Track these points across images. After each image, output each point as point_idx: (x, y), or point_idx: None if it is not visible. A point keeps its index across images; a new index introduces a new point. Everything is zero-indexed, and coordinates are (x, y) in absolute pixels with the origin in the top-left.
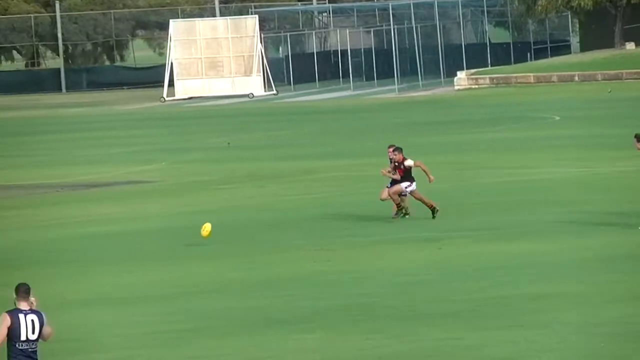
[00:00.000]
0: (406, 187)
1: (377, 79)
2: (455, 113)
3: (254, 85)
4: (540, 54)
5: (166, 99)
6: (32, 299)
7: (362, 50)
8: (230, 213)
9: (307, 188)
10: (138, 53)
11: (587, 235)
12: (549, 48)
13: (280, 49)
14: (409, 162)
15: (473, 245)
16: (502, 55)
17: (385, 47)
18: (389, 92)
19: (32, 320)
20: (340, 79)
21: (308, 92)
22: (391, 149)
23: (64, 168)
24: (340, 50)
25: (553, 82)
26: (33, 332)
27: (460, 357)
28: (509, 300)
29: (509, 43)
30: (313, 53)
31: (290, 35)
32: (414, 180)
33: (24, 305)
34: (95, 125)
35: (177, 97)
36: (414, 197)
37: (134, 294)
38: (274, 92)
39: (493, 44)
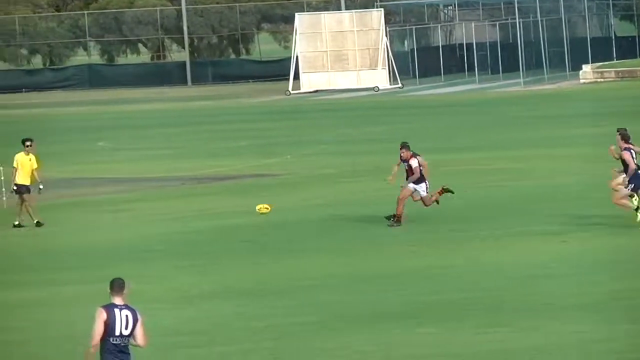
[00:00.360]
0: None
1: (502, 72)
2: (581, 106)
3: (379, 78)
4: None
5: (291, 92)
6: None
7: (488, 43)
8: (353, 206)
9: (430, 182)
10: (263, 46)
11: None
12: None
13: (406, 42)
14: (413, 162)
15: (597, 239)
16: (627, 48)
17: (511, 41)
18: (514, 86)
19: (127, 316)
20: (466, 73)
21: (433, 85)
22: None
23: (190, 161)
24: (466, 43)
25: None
26: (126, 328)
27: (586, 350)
28: (636, 293)
29: (635, 36)
30: (438, 46)
31: (415, 28)
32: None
33: (118, 300)
34: (220, 118)
35: (302, 90)
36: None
37: (258, 287)
38: (400, 85)
39: (618, 37)
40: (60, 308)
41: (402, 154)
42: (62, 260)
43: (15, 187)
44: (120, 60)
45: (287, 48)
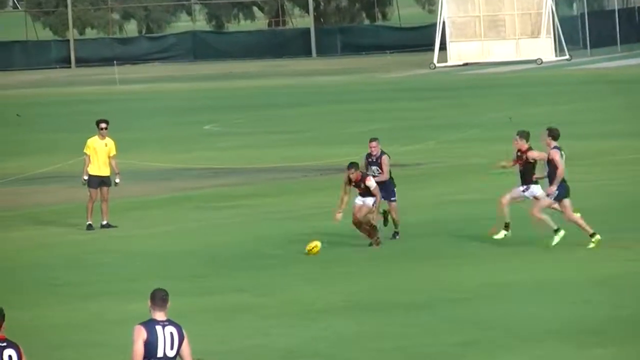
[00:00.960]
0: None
1: None
2: None
3: (543, 49)
4: None
5: (437, 65)
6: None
7: None
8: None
9: (605, 172)
10: (403, 10)
11: None
12: None
13: (574, 5)
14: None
15: None
16: None
17: None
18: None
19: (171, 334)
20: None
21: (608, 57)
22: (372, 144)
23: (313, 148)
24: None
25: None
26: (171, 348)
27: None
28: None
29: None
30: (614, 10)
31: None
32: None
33: (160, 316)
34: (350, 96)
35: (449, 63)
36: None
37: (385, 300)
38: (567, 57)
39: None
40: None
41: (350, 175)
42: (159, 266)
43: (85, 178)
44: (231, 27)
45: (432, 12)
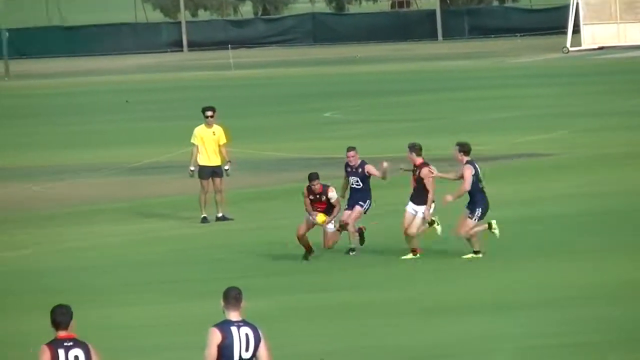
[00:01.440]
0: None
1: None
2: None
3: None
4: None
5: (570, 49)
6: None
7: None
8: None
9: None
10: None
11: None
12: None
13: None
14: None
15: None
16: None
17: None
18: None
19: (247, 335)
20: None
21: None
22: (350, 153)
23: (439, 137)
24: None
25: None
26: (247, 350)
27: None
28: None
29: None
30: None
31: None
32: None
33: (234, 316)
34: (478, 82)
35: (583, 46)
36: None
37: (507, 298)
38: None
39: None
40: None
41: (313, 186)
42: (275, 261)
43: (192, 169)
44: (352, 8)
45: None
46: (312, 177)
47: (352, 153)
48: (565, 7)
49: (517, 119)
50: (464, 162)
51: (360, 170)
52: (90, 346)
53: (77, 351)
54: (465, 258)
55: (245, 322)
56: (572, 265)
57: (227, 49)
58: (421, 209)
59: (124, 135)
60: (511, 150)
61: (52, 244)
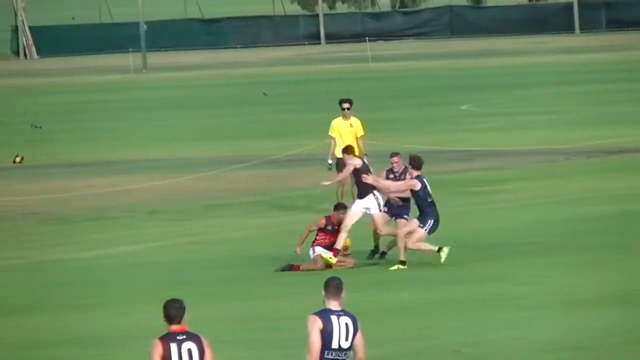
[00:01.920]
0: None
1: None
2: None
3: None
4: None
5: None
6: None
7: None
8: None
9: None
10: None
11: None
12: None
13: None
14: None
15: None
16: None
17: None
18: None
19: (346, 324)
20: None
21: None
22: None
23: (575, 129)
24: None
25: None
26: (346, 339)
27: None
28: None
29: None
30: None
31: None
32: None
33: (334, 305)
34: (616, 75)
35: None
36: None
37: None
38: None
39: None
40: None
41: (338, 215)
42: (415, 255)
43: (330, 162)
44: (490, 1)
45: None
46: (339, 207)
47: (396, 159)
48: None
49: None
50: (413, 176)
51: (403, 177)
52: (203, 339)
53: (190, 344)
54: (392, 270)
55: (345, 312)
56: None
57: (365, 41)
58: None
59: (262, 128)
60: None
61: (185, 236)
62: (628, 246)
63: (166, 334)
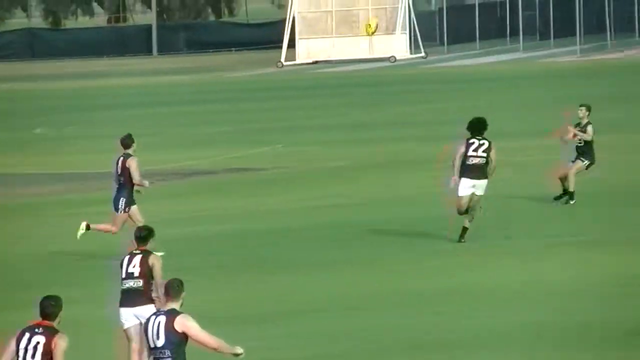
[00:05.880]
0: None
1: (553, 38)
2: None
3: (397, 46)
4: None
5: (285, 63)
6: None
7: (537, 1)
8: (360, 209)
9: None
10: (251, 5)
11: None
12: None
13: (433, 0)
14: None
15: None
16: None
17: None
18: (569, 55)
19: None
20: (508, 38)
21: (466, 54)
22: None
23: (155, 152)
24: (509, 1)
25: None
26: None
27: None
28: None
29: None
30: (474, 5)
31: None
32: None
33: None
34: (196, 97)
35: (298, 61)
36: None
37: (237, 313)
38: (423, 54)
39: None
40: None
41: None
42: None
43: None
44: (69, 23)
45: (281, 8)
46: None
47: None
48: (282, 22)
49: (232, 133)
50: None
51: None
52: (56, 336)
53: (40, 338)
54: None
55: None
56: (305, 279)
57: None
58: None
59: None
60: (223, 164)
61: None
62: (206, 269)
63: (29, 325)
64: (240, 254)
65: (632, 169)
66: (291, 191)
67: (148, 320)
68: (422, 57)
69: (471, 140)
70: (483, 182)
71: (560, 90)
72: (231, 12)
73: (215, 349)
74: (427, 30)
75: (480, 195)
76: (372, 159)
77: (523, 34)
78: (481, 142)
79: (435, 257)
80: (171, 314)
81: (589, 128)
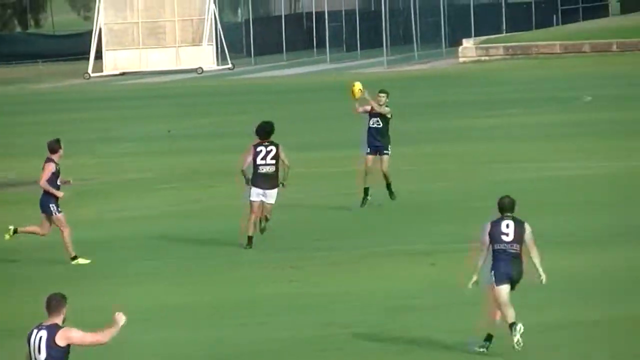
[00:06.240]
0: None
1: (360, 50)
2: (460, 92)
3: (204, 57)
4: (569, 16)
5: (92, 75)
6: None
7: (343, 12)
8: (169, 220)
9: None
10: (58, 17)
11: (607, 249)
12: (580, 9)
13: (239, 11)
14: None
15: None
16: (521, 18)
17: (373, 9)
18: (376, 66)
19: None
20: (315, 50)
21: (273, 66)
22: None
23: None
24: (315, 12)
25: (585, 52)
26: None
27: None
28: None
29: (530, 3)
30: (280, 16)
31: None
32: None
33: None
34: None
35: (105, 72)
36: None
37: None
38: (229, 66)
39: (510, 3)
40: None
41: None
42: None
43: None
44: None
45: (88, 19)
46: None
47: None
48: (89, 33)
49: (36, 146)
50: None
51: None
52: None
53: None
54: None
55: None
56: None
57: None
58: None
59: None
60: (28, 176)
61: None
62: None
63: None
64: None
65: (423, 178)
66: (92, 204)
67: (30, 334)
68: (229, 69)
69: (259, 148)
70: (274, 192)
71: None
72: (37, 24)
73: (107, 341)
74: (234, 41)
75: (272, 204)
76: (178, 170)
77: (330, 46)
78: (268, 148)
79: (236, 268)
80: (53, 329)
81: (388, 108)
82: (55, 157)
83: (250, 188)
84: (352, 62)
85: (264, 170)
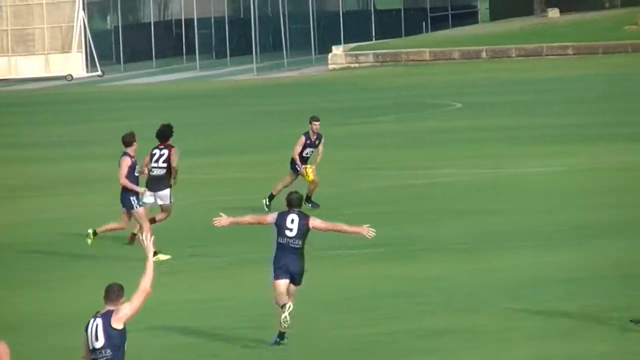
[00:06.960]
0: None
1: (230, 56)
2: (329, 99)
3: (74, 64)
4: (438, 23)
5: None
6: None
7: (213, 19)
8: (43, 227)
9: None
10: None
11: (494, 255)
12: (450, 16)
13: (109, 18)
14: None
15: (350, 268)
16: (390, 25)
17: (242, 16)
18: (246, 73)
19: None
20: (184, 57)
21: (143, 72)
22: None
23: None
24: (185, 19)
25: (454, 59)
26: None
27: None
28: (397, 336)
29: (400, 10)
30: (150, 23)
31: (121, 0)
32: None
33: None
34: None
35: None
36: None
37: None
38: (99, 73)
39: (379, 10)
40: None
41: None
42: None
43: None
44: None
45: None
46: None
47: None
48: None
49: None
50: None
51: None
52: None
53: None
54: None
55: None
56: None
57: None
58: None
59: None
60: None
61: None
62: None
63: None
64: None
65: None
66: None
67: (88, 323)
68: (99, 76)
69: (154, 151)
70: (165, 192)
71: (238, 107)
72: None
73: (150, 286)
74: (103, 48)
75: (168, 204)
76: (43, 177)
77: (200, 53)
78: (162, 152)
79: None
80: (108, 316)
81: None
82: (130, 150)
83: (145, 191)
84: (221, 69)
85: (155, 173)
